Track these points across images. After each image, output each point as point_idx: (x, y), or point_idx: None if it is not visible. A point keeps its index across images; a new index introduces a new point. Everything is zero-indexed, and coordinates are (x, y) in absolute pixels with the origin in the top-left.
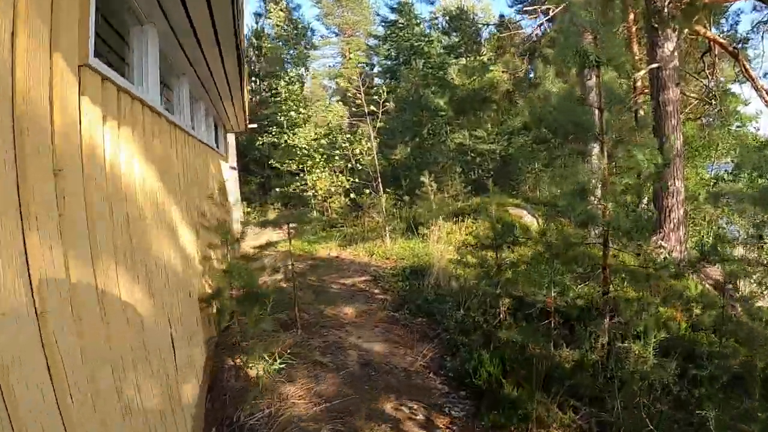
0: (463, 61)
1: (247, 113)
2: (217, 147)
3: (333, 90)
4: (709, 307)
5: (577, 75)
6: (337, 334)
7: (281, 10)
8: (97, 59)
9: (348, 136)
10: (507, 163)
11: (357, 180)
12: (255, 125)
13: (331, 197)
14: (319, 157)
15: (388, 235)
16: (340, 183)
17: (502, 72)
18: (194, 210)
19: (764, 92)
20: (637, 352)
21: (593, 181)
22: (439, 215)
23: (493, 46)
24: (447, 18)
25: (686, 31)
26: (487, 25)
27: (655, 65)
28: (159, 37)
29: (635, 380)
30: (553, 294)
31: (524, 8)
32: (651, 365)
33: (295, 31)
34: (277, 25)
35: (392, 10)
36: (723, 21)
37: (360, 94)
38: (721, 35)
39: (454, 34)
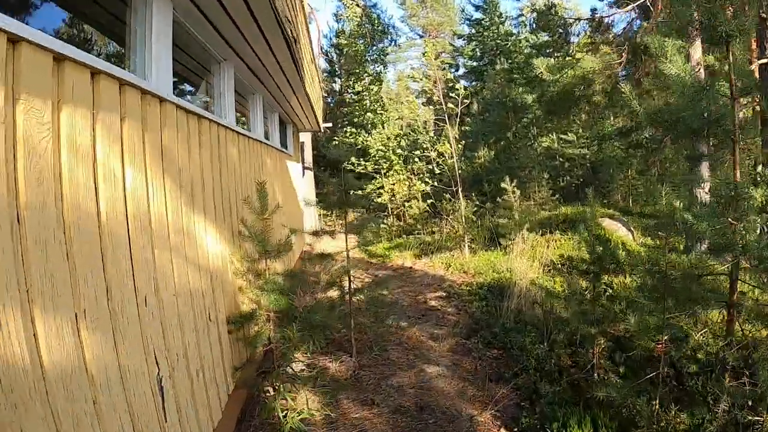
0: (552, 60)
1: (316, 112)
2: (286, 147)
3: (418, 92)
4: None
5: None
6: (396, 363)
7: (357, 5)
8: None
9: (431, 135)
10: (597, 169)
11: (437, 184)
12: (330, 124)
13: (408, 201)
14: (397, 158)
15: (467, 245)
16: (418, 187)
17: (597, 66)
18: (233, 216)
19: None
20: None
21: (731, 192)
22: (523, 226)
23: (582, 45)
24: (534, 14)
25: None
26: (579, 19)
27: (765, 60)
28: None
29: None
30: (663, 338)
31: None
32: None
33: (372, 27)
34: (352, 19)
35: (477, 8)
36: None
37: (438, 91)
38: None
39: (543, 33)
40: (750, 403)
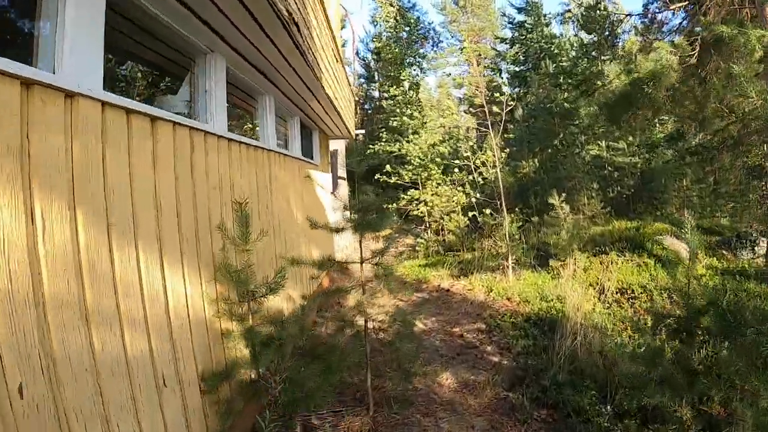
0: (600, 66)
1: (344, 117)
2: (312, 157)
3: (460, 99)
4: None
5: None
6: (420, 424)
7: (390, 4)
8: None
9: (472, 143)
10: (648, 178)
11: (478, 196)
12: (362, 131)
13: (447, 215)
14: (435, 168)
15: (511, 266)
16: (458, 199)
17: (670, 61)
18: (214, 245)
19: None
20: None
21: None
22: (573, 245)
23: (630, 44)
24: (581, 12)
25: None
26: (630, 15)
27: None
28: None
29: None
30: None
31: None
32: None
33: (408, 28)
34: (387, 20)
35: (519, 10)
36: None
37: (481, 94)
38: None
39: (589, 35)
40: None
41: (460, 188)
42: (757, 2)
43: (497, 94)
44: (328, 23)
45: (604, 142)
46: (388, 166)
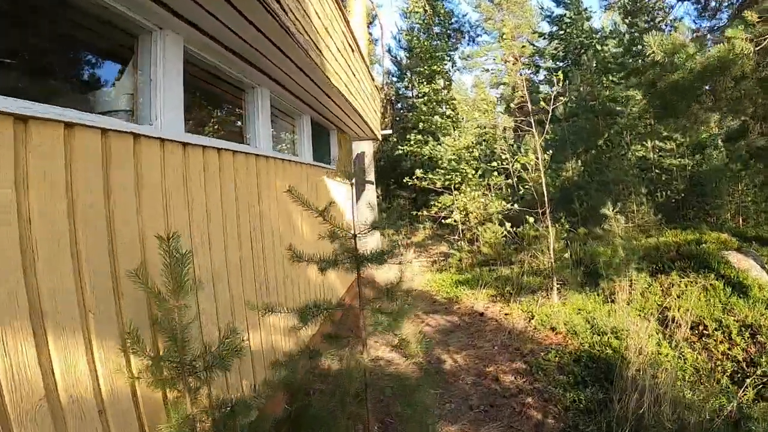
0: (664, 38)
1: (363, 116)
2: (329, 161)
3: (497, 99)
4: None
5: None
6: None
7: None
8: None
9: (511, 143)
10: (698, 181)
11: (516, 206)
12: (390, 131)
13: (483, 224)
14: (470, 171)
15: (555, 287)
16: (496, 206)
17: (745, 45)
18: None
19: None
20: None
21: None
22: (629, 262)
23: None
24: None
25: None
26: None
27: None
28: None
29: None
30: None
31: None
32: None
33: (438, 20)
34: (416, 11)
35: (558, 3)
36: None
37: (522, 89)
38: None
39: (631, 30)
40: None
41: (497, 192)
42: None
43: (537, 95)
44: (337, 4)
45: (650, 142)
46: (418, 171)
